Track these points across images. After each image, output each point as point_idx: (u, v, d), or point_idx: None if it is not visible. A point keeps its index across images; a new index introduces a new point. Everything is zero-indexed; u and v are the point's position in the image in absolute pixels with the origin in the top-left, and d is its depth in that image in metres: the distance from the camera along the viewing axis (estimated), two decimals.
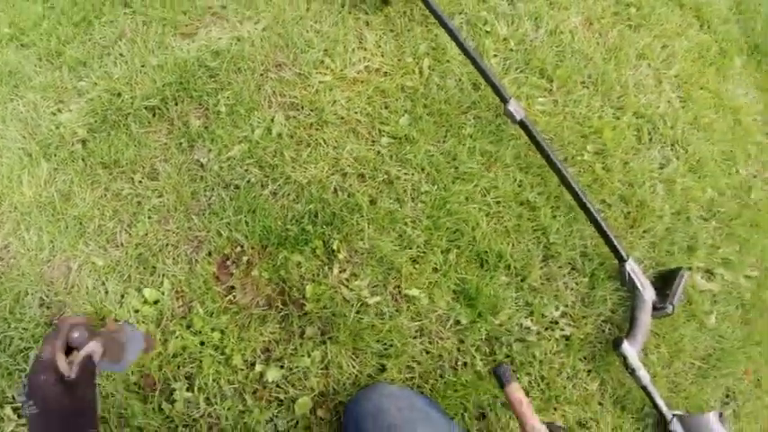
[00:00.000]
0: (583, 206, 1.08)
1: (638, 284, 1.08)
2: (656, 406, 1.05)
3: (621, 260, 1.08)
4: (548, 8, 1.35)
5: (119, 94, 1.15)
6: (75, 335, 0.60)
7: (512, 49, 1.24)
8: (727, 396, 1.20)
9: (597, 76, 1.24)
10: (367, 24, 1.22)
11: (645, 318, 1.08)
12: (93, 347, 0.61)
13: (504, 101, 1.08)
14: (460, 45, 1.11)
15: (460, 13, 1.27)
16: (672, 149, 1.24)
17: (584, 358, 1.08)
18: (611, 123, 1.21)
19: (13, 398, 1.03)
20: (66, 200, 1.11)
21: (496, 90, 1.08)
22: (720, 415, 1.03)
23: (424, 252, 1.05)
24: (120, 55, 1.20)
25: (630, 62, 1.29)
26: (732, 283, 1.22)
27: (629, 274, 1.08)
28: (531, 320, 1.06)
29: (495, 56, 1.23)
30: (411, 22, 1.24)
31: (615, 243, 1.08)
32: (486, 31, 1.25)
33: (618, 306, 1.11)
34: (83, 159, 1.12)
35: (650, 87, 1.29)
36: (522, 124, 1.08)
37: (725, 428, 1.03)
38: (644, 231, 1.17)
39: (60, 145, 1.14)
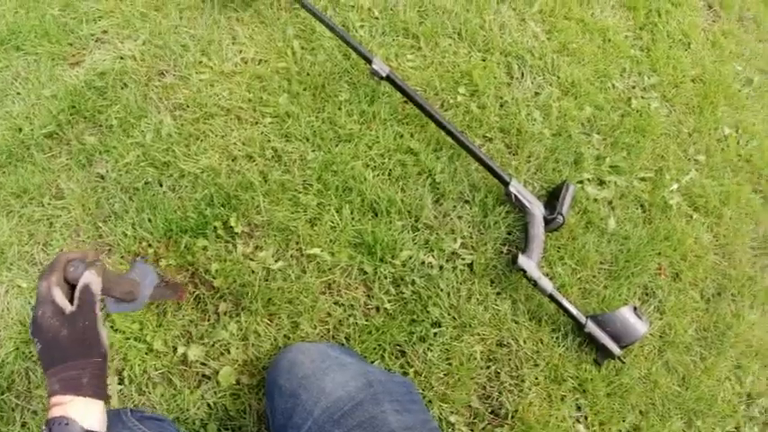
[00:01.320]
0: (459, 142, 1.15)
1: (525, 202, 1.15)
2: (567, 312, 1.11)
3: (505, 183, 1.15)
4: None
5: (20, 129, 1.22)
6: (71, 269, 0.59)
7: (376, 18, 1.33)
8: (646, 294, 1.26)
9: (460, 25, 1.33)
10: (238, 21, 1.30)
11: (537, 231, 1.14)
12: (89, 278, 0.59)
13: (369, 61, 1.16)
14: (320, 19, 1.19)
15: None
16: (543, 78, 1.32)
17: (491, 282, 1.14)
18: (479, 65, 1.29)
19: None
20: None
21: (359, 52, 1.16)
22: (635, 308, 1.09)
23: (319, 213, 1.12)
24: (17, 93, 1.27)
25: (491, 7, 1.37)
26: (626, 186, 1.29)
27: (514, 195, 1.15)
28: (432, 256, 1.12)
29: (362, 26, 1.31)
30: (279, 11, 1.32)
31: (496, 169, 1.15)
32: (351, 6, 1.33)
33: (512, 228, 1.18)
34: None
35: (514, 27, 1.37)
36: (389, 79, 1.15)
37: (642, 320, 1.08)
38: (528, 156, 1.24)
39: None
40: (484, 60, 1.29)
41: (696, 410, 1.14)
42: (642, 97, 1.40)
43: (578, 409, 1.10)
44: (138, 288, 0.72)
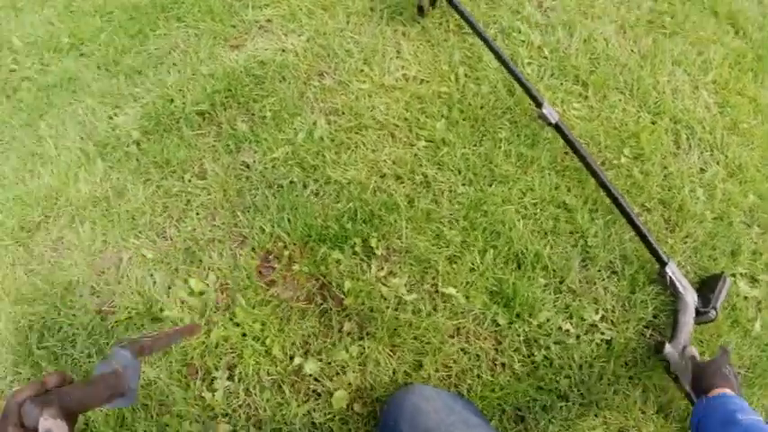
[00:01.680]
0: (621, 209, 1.10)
1: (680, 288, 1.08)
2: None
3: (662, 263, 1.09)
4: (581, 17, 1.40)
5: (171, 100, 1.25)
6: (26, 414, 0.50)
7: (545, 57, 1.29)
8: None
9: (632, 81, 1.28)
10: (404, 35, 1.30)
11: (688, 321, 1.07)
12: (47, 425, 0.50)
13: (539, 104, 1.13)
14: (494, 52, 1.17)
15: (495, 23, 1.34)
16: (711, 154, 1.25)
17: (626, 364, 1.08)
18: (648, 128, 1.23)
19: None
20: (119, 196, 1.20)
21: (530, 94, 1.13)
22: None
23: (460, 252, 1.09)
24: (174, 64, 1.31)
25: (666, 68, 1.32)
26: None
27: (670, 278, 1.09)
28: (571, 323, 1.07)
29: (530, 63, 1.28)
30: (447, 32, 1.31)
31: (655, 246, 1.09)
32: (521, 41, 1.30)
33: (660, 311, 1.11)
34: (137, 159, 1.22)
35: (687, 93, 1.31)
36: (557, 127, 1.12)
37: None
38: (685, 236, 1.17)
39: (116, 145, 1.24)
40: (653, 124, 1.24)
41: None
42: None
43: None
44: (122, 380, 0.61)
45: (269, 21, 1.34)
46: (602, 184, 1.11)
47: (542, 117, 1.12)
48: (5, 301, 1.18)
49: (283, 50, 1.28)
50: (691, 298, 1.08)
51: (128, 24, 1.41)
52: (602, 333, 1.08)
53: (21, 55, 1.53)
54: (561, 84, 1.26)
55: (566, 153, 1.17)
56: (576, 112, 1.23)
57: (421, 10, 1.28)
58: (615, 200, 1.10)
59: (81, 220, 1.20)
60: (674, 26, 1.41)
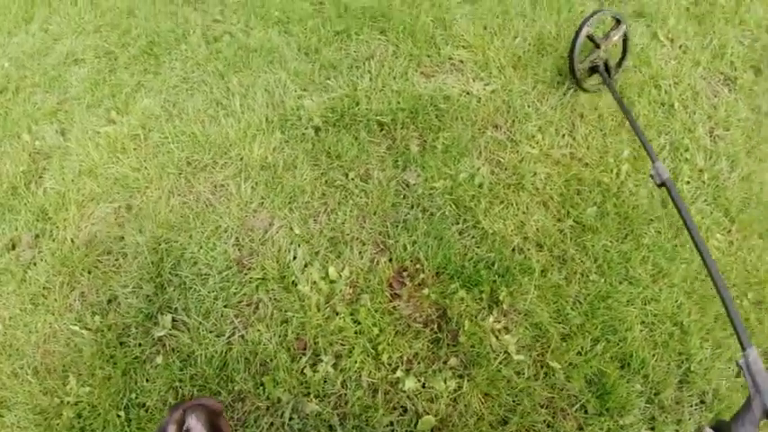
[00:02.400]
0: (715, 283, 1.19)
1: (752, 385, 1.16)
2: None
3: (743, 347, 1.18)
4: (745, 155, 1.52)
5: (357, 103, 1.46)
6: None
7: (704, 181, 1.42)
8: None
9: None
10: (581, 117, 1.46)
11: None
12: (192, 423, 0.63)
13: (653, 159, 1.22)
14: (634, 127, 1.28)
15: (666, 134, 1.47)
16: None
17: None
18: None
19: (171, 307, 1.29)
20: (287, 169, 1.40)
21: (647, 149, 1.22)
22: None
23: (575, 333, 1.22)
24: (368, 71, 1.51)
25: None
26: None
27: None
28: None
29: (689, 183, 1.41)
30: (620, 127, 1.46)
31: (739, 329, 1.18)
32: (686, 159, 1.43)
33: None
34: (312, 143, 1.42)
35: None
36: (665, 185, 1.20)
37: None
38: None
39: (297, 124, 1.45)
40: None
41: None
42: None
43: None
44: None
45: (462, 62, 1.53)
46: (731, 320, 1.21)
47: (654, 174, 1.20)
48: (152, 222, 1.40)
49: (468, 93, 1.46)
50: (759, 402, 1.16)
51: (336, 21, 1.64)
52: None
53: (229, 10, 1.79)
54: (711, 212, 1.38)
55: (698, 276, 1.29)
56: (716, 243, 1.35)
57: (576, 79, 1.43)
58: (735, 332, 1.20)
59: (246, 177, 1.41)
60: None
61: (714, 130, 1.53)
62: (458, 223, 1.30)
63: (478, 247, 1.28)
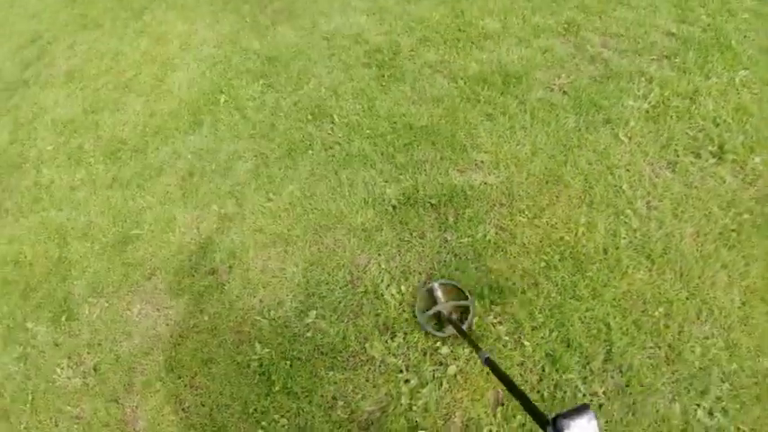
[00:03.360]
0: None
1: None
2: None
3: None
4: (672, 217, 2.52)
5: (417, 190, 2.68)
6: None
7: (636, 237, 2.45)
8: None
9: (687, 270, 2.37)
10: (557, 197, 2.57)
11: None
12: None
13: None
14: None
15: (613, 207, 2.53)
16: (717, 322, 2.29)
17: None
18: (681, 301, 2.32)
19: (315, 306, 2.57)
20: (376, 230, 2.65)
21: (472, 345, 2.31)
22: None
23: (539, 326, 2.32)
24: (424, 170, 2.74)
25: (713, 269, 2.38)
26: None
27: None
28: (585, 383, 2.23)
29: (624, 238, 2.45)
30: (581, 201, 2.54)
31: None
32: (624, 222, 2.48)
33: None
34: (391, 215, 2.66)
35: (722, 287, 2.35)
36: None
37: None
38: None
39: (382, 204, 2.71)
40: (687, 300, 2.33)
41: None
42: None
43: None
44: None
45: (482, 162, 2.71)
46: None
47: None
48: (301, 259, 2.70)
49: (485, 183, 2.63)
50: None
51: (404, 135, 2.90)
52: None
53: (336, 127, 3.12)
54: (637, 257, 2.40)
55: (624, 297, 2.33)
56: (639, 276, 2.37)
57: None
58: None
59: (353, 235, 2.68)
60: (735, 241, 2.45)
61: (650, 202, 2.55)
62: (475, 264, 2.46)
63: (485, 277, 2.42)
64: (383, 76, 3.26)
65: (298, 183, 2.96)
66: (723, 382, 2.25)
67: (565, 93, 3.01)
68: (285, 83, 3.40)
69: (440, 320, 2.36)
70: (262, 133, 3.30)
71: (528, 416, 1.20)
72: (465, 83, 3.12)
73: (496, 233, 2.53)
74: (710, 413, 2.23)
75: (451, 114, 2.97)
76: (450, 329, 2.32)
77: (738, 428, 2.19)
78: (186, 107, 3.56)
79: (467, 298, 2.39)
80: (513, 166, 2.69)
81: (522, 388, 2.26)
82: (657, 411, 2.16)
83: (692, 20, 3.34)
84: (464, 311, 2.34)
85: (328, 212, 2.78)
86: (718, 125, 2.81)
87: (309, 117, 3.17)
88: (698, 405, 2.22)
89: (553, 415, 1.09)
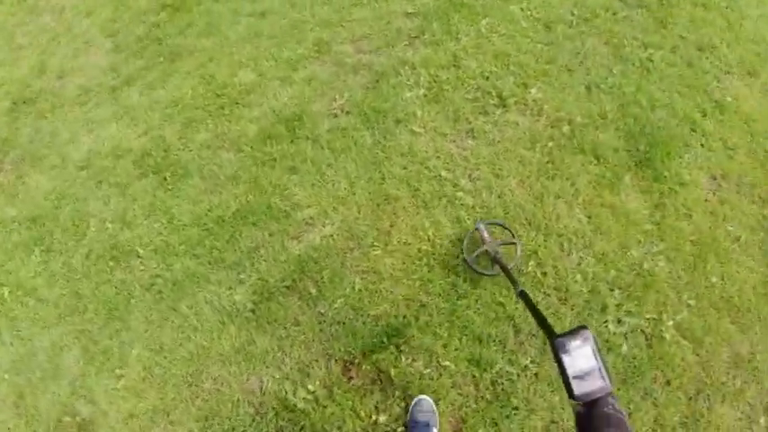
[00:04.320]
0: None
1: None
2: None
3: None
4: (494, 178, 2.85)
5: (266, 281, 2.66)
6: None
7: (477, 212, 2.73)
8: (645, 394, 2.55)
9: (531, 218, 2.71)
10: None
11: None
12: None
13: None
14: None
15: (441, 198, 2.78)
16: (583, 252, 2.68)
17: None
18: (542, 245, 2.66)
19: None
20: (250, 344, 2.58)
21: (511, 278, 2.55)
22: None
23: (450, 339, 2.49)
24: (261, 256, 2.73)
25: (550, 203, 2.76)
26: (636, 324, 2.60)
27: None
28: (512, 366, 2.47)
29: (468, 219, 2.71)
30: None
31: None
32: (461, 204, 2.75)
33: None
34: (255, 321, 2.61)
35: (565, 214, 2.74)
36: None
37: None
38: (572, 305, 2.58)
39: (239, 313, 2.64)
40: (544, 241, 2.67)
41: None
42: (651, 260, 2.73)
43: None
44: None
45: (311, 218, 2.77)
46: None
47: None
48: (173, 393, 2.54)
49: (324, 237, 2.71)
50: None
51: (220, 232, 2.84)
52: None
53: (145, 259, 2.94)
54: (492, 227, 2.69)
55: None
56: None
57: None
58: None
59: (226, 361, 2.58)
60: (553, 170, 2.86)
61: (471, 174, 2.86)
62: (360, 319, 2.53)
63: (375, 327, 2.52)
64: (165, 179, 3.13)
65: (140, 342, 2.73)
66: (612, 290, 2.64)
67: (348, 113, 3.19)
68: (63, 238, 3.09)
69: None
70: (70, 309, 2.95)
71: None
72: (251, 147, 3.13)
73: (362, 279, 2.62)
74: (618, 321, 2.60)
75: (255, 186, 2.97)
76: (497, 268, 2.50)
77: (647, 319, 2.61)
78: None
79: (513, 236, 2.61)
80: (341, 206, 2.79)
81: (463, 402, 2.42)
82: None
83: None
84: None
85: (190, 355, 2.63)
86: (487, 78, 3.22)
87: (111, 264, 2.93)
88: (605, 322, 2.58)
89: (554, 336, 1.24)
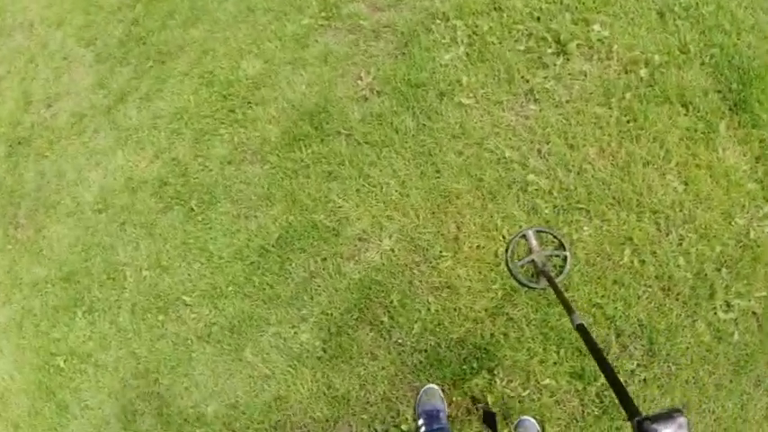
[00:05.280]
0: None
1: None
2: None
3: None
4: (569, 150, 2.64)
5: (331, 314, 2.60)
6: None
7: (555, 197, 2.56)
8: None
9: (619, 194, 2.53)
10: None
11: None
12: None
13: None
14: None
15: (515, 182, 2.61)
16: (683, 228, 2.51)
17: None
18: (636, 226, 2.49)
19: None
20: (327, 389, 2.57)
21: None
22: None
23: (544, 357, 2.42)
24: (318, 287, 2.65)
25: (639, 172, 2.55)
26: (746, 306, 2.47)
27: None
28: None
29: (546, 207, 2.55)
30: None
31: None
32: (536, 190, 2.58)
33: None
34: (328, 360, 2.57)
35: (657, 184, 2.55)
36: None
37: None
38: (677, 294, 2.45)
39: (310, 355, 2.61)
40: (639, 221, 2.50)
41: None
42: (758, 226, 2.53)
43: None
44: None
45: (363, 232, 2.66)
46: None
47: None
48: None
49: (384, 252, 2.60)
50: None
51: (267, 264, 2.76)
52: None
53: (195, 307, 2.90)
54: (573, 218, 2.53)
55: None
56: (587, 233, 2.50)
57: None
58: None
59: (310, 410, 2.57)
60: (636, 129, 2.63)
61: (540, 150, 2.66)
62: (443, 344, 2.47)
63: (461, 350, 2.46)
64: (192, 210, 3.02)
65: (213, 398, 2.74)
66: (719, 270, 2.49)
67: (379, 93, 2.94)
68: (103, 295, 3.07)
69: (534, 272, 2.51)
70: (131, 372, 2.95)
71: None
72: (278, 155, 2.97)
73: (436, 298, 2.53)
74: (728, 306, 2.46)
75: (292, 202, 2.84)
76: (543, 282, 2.44)
77: (757, 298, 2.47)
78: (26, 396, 3.12)
79: (564, 248, 2.49)
80: (395, 213, 2.65)
81: (569, 421, 2.38)
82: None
83: None
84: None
85: (268, 407, 2.63)
86: (538, 18, 2.89)
87: (161, 318, 2.90)
88: (713, 309, 2.44)
89: (640, 417, 1.08)
